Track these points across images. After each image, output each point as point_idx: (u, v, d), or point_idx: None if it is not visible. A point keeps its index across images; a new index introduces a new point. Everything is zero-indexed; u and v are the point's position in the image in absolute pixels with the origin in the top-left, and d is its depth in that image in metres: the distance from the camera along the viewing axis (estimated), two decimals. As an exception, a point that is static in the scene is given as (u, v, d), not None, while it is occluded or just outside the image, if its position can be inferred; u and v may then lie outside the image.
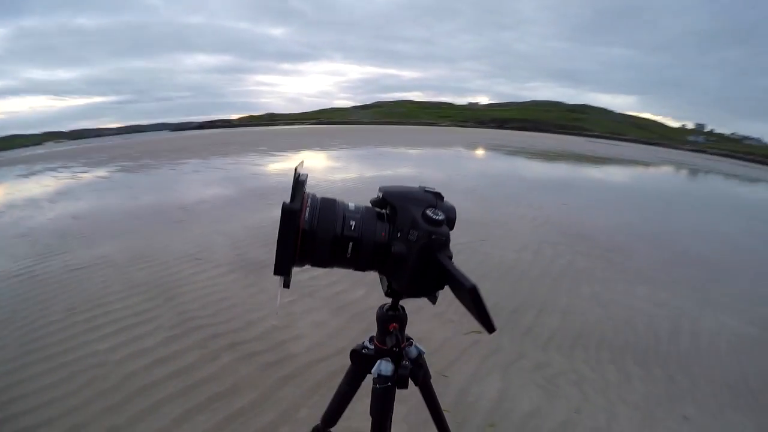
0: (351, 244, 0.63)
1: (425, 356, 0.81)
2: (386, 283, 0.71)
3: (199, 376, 2.21)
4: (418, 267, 0.62)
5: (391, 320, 0.75)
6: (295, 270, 0.64)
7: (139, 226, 5.10)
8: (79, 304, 3.06)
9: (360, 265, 0.65)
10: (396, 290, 0.69)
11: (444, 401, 2.04)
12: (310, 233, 0.61)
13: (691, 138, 60.63)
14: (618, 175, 12.37)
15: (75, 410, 1.99)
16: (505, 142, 21.08)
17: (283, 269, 0.59)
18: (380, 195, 0.68)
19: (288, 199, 0.60)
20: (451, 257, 0.61)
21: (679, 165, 19.37)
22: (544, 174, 10.03)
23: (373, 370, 0.76)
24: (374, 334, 0.80)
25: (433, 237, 0.61)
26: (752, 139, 70.34)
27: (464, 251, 3.98)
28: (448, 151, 14.73)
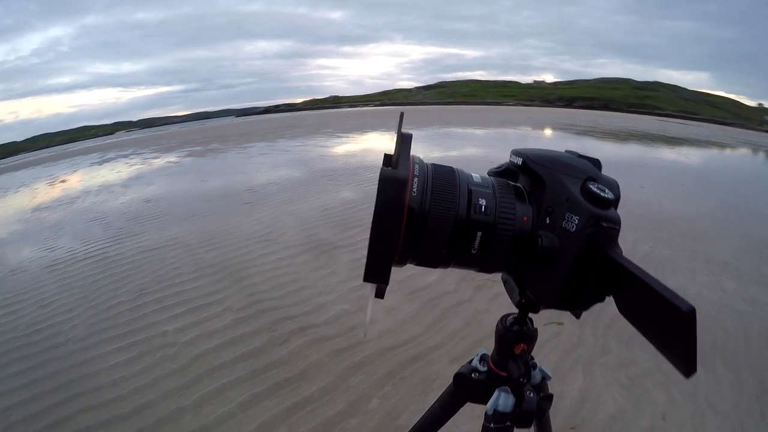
0: (480, 234, 0.45)
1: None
2: (517, 289, 0.53)
3: (267, 360, 2.21)
4: (576, 269, 0.43)
5: (519, 339, 0.57)
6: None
7: (209, 209, 5.27)
8: (149, 285, 3.19)
9: (488, 264, 0.47)
10: (534, 300, 0.51)
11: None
12: (420, 216, 0.43)
13: (770, 118, 55.42)
14: (694, 157, 11.33)
15: (142, 390, 2.06)
16: (573, 121, 20.08)
17: (378, 273, 0.42)
18: (516, 161, 0.50)
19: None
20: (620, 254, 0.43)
21: (758, 147, 17.49)
22: (616, 155, 9.41)
23: (488, 405, 0.58)
24: (482, 349, 0.64)
25: (604, 225, 0.42)
26: None
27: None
28: (515, 130, 14.22)
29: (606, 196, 0.42)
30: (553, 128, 16.00)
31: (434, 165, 0.47)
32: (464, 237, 0.44)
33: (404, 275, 3.08)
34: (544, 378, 0.61)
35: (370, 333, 2.44)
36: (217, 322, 2.60)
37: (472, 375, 0.62)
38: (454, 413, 0.68)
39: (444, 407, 0.69)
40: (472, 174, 0.48)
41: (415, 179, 0.43)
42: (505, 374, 0.58)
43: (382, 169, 0.41)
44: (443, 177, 0.45)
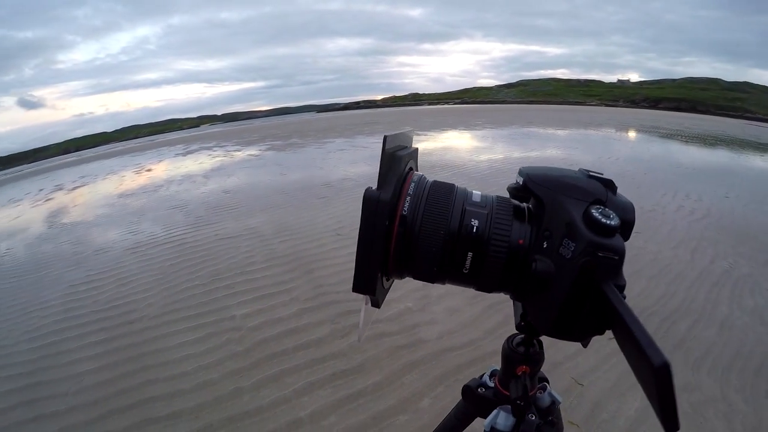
0: (471, 254, 0.46)
1: (560, 407, 0.64)
2: (520, 311, 0.54)
3: (327, 351, 2.29)
4: (569, 298, 0.43)
5: (522, 361, 0.57)
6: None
7: (286, 201, 5.48)
8: (223, 271, 3.38)
9: (483, 284, 0.48)
10: (533, 324, 0.52)
11: (576, 414, 1.88)
12: (410, 233, 0.46)
13: None
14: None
15: (207, 368, 2.21)
16: (658, 123, 18.79)
17: (363, 285, 0.44)
18: (520, 180, 0.49)
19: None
20: (623, 287, 0.41)
21: None
22: (702, 161, 8.72)
23: (486, 422, 0.60)
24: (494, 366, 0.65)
25: (600, 255, 0.40)
26: None
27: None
28: (598, 132, 13.58)
29: (608, 222, 0.41)
30: (637, 131, 15.15)
31: (434, 183, 0.48)
32: (454, 256, 0.46)
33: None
34: (554, 402, 0.62)
35: (430, 333, 2.45)
36: (284, 310, 2.71)
37: (479, 390, 0.63)
38: (468, 425, 0.69)
39: (458, 417, 0.70)
40: (474, 192, 0.49)
41: (408, 198, 0.46)
42: (507, 394, 0.59)
43: (366, 190, 0.43)
44: (438, 196, 0.47)
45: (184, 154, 13.22)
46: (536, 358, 0.57)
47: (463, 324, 2.53)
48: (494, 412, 0.60)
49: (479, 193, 0.49)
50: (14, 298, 3.46)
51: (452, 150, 9.57)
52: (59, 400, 2.13)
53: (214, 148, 13.68)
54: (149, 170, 10.58)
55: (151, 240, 4.37)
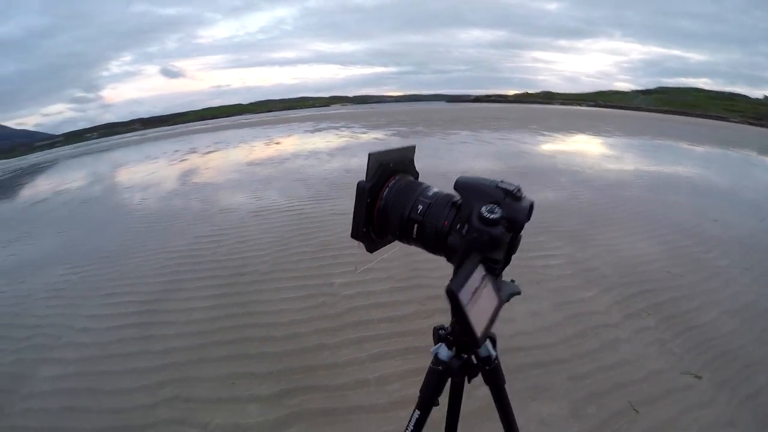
0: (416, 226, 0.73)
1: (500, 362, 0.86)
2: None
3: (407, 328, 2.47)
4: (461, 263, 0.66)
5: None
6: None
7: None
8: (332, 242, 3.70)
9: (426, 246, 0.74)
10: None
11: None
12: (385, 209, 0.74)
13: None
14: None
15: (298, 322, 2.51)
16: None
17: (356, 234, 0.75)
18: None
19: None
20: (496, 262, 0.65)
21: None
22: None
23: (432, 349, 0.84)
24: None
25: (475, 235, 0.64)
26: None
27: (721, 275, 3.38)
28: (737, 153, 11.99)
29: (489, 216, 0.63)
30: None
31: (408, 181, 0.77)
32: (407, 227, 0.74)
33: (561, 285, 3.02)
34: (491, 355, 0.85)
35: (504, 331, 2.52)
36: (378, 285, 2.95)
37: (440, 331, 0.86)
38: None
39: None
40: (433, 189, 0.75)
41: (387, 188, 0.75)
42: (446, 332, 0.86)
43: (359, 182, 0.73)
44: (405, 189, 0.75)
45: (313, 132, 14.04)
46: None
47: (541, 327, 2.56)
48: (439, 344, 0.84)
49: (436, 190, 0.75)
50: (144, 241, 4.07)
51: (578, 155, 9.26)
52: (169, 326, 2.56)
53: (342, 129, 14.39)
54: (278, 143, 11.40)
55: (273, 207, 4.85)
